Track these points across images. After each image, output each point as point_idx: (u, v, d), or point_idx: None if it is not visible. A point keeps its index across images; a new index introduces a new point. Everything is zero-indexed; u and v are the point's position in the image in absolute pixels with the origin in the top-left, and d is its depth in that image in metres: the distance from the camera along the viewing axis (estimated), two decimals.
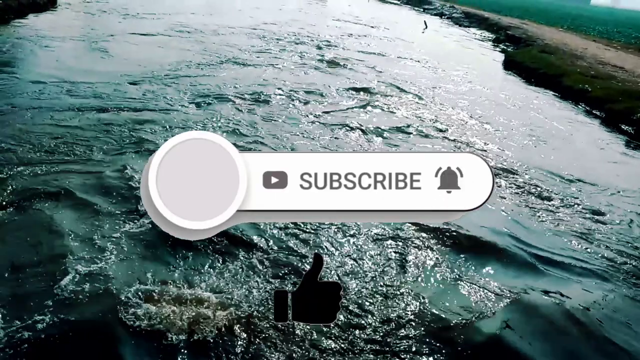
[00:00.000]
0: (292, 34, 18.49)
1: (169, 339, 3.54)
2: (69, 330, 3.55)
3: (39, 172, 5.64)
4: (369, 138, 8.50)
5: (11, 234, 4.56)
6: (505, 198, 6.95)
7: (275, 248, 4.78)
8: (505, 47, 25.70)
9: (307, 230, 5.12)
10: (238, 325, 3.75)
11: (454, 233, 5.56)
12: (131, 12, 17.34)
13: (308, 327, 3.72)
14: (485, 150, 8.86)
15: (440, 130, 9.66)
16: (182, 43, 13.85)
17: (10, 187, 5.20)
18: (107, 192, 5.42)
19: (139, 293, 3.91)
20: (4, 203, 4.95)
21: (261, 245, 4.78)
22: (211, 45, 13.89)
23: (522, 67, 18.72)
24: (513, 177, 7.78)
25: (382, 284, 4.54)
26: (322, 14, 29.71)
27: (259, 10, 25.41)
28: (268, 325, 3.78)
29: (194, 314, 3.77)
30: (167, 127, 7.53)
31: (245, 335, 3.68)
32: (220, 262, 4.45)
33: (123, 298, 3.84)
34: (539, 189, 7.48)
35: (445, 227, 5.52)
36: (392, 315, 4.16)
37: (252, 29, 18.11)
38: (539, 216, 6.58)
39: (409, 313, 4.22)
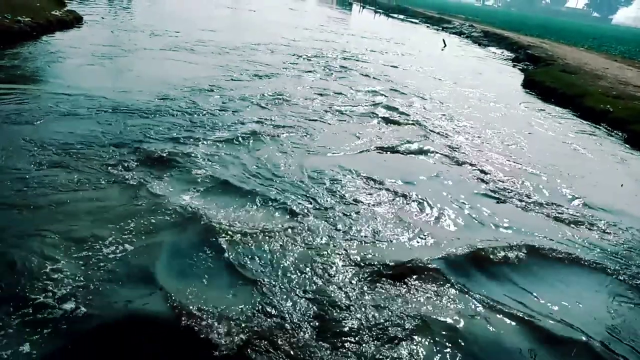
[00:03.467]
0: (321, 50, 18.73)
1: None
2: None
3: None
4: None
5: None
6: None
7: None
8: (525, 67, 25.57)
9: None
10: None
11: None
12: (157, 31, 17.70)
13: None
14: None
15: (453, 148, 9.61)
16: (213, 59, 14.07)
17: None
18: None
19: None
20: None
21: None
22: (253, 59, 14.20)
23: (542, 86, 18.59)
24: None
25: None
26: (344, 31, 29.94)
27: (284, 29, 25.71)
28: None
29: None
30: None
31: None
32: None
33: None
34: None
35: None
36: None
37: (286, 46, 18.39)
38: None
39: None
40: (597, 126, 14.08)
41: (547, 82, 18.89)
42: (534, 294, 5.18)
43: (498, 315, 4.73)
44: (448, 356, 4.13)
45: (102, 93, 9.37)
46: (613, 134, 13.45)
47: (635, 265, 6.12)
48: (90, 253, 4.66)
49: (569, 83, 18.32)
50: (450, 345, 4.25)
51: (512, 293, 5.15)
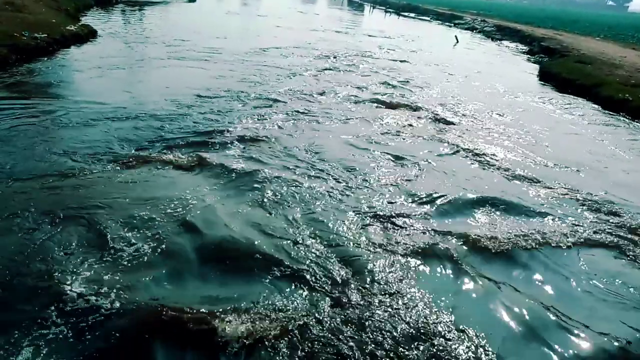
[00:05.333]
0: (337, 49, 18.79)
1: None
2: None
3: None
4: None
5: None
6: None
7: None
8: (539, 59, 25.26)
9: None
10: None
11: None
12: (170, 41, 17.90)
13: None
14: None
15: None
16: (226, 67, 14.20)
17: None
18: None
19: None
20: None
21: None
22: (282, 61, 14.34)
23: (558, 78, 18.34)
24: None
25: None
26: (356, 32, 29.94)
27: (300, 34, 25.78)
28: None
29: None
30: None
31: None
32: None
33: None
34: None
35: None
36: None
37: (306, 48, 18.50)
38: None
39: None
40: (616, 115, 13.83)
41: (563, 73, 18.64)
42: None
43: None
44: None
45: (119, 103, 9.56)
46: (633, 123, 13.19)
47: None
48: None
49: (585, 73, 18.04)
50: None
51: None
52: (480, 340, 4.23)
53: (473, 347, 4.14)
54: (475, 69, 19.93)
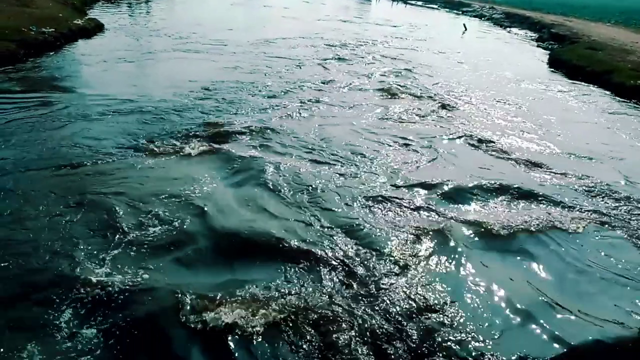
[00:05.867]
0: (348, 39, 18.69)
1: None
2: None
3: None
4: None
5: None
6: None
7: None
8: (549, 46, 24.94)
9: None
10: None
11: None
12: (177, 34, 17.87)
13: None
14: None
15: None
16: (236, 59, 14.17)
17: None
18: None
19: None
20: None
21: None
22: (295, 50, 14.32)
23: (568, 65, 18.10)
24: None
25: None
26: (363, 21, 29.70)
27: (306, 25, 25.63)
28: None
29: None
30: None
31: None
32: None
33: None
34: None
35: None
36: None
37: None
38: None
39: None
40: (628, 102, 13.65)
41: (573, 60, 18.40)
42: None
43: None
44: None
45: (128, 95, 9.60)
46: None
47: None
48: None
49: (596, 60, 17.79)
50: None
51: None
52: (481, 314, 4.40)
53: (472, 321, 4.29)
54: (484, 57, 19.73)
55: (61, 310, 3.94)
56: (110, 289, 4.20)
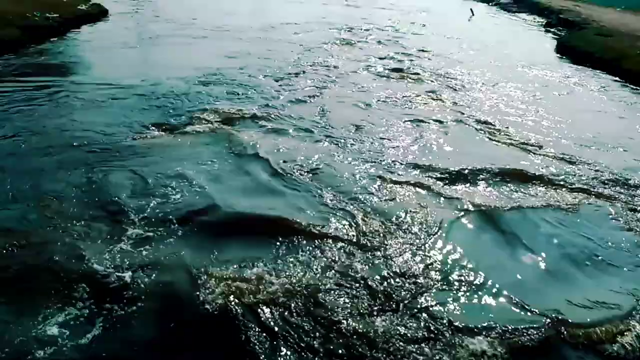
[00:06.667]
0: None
1: None
2: None
3: None
4: None
5: None
6: None
7: None
8: (557, 32, 24.60)
9: None
10: None
11: None
12: (182, 19, 17.75)
13: None
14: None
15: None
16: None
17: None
18: None
19: None
20: None
21: None
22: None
23: (576, 51, 17.86)
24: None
25: None
26: (367, 5, 29.35)
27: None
28: None
29: None
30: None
31: None
32: None
33: None
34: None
35: None
36: None
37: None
38: None
39: None
40: (637, 89, 13.48)
41: (581, 46, 18.14)
42: None
43: None
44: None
45: (134, 81, 9.62)
46: None
47: None
48: None
49: (605, 46, 17.52)
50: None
51: None
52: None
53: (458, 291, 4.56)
54: (490, 42, 19.51)
55: (68, 291, 4.01)
56: (115, 270, 4.26)
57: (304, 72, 11.69)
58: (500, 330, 4.05)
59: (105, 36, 13.67)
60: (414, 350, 3.78)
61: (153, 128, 7.45)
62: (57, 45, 12.24)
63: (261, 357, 3.60)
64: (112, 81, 9.45)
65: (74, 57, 11.32)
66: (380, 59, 13.97)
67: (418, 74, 12.54)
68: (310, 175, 6.44)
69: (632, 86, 13.73)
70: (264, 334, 3.79)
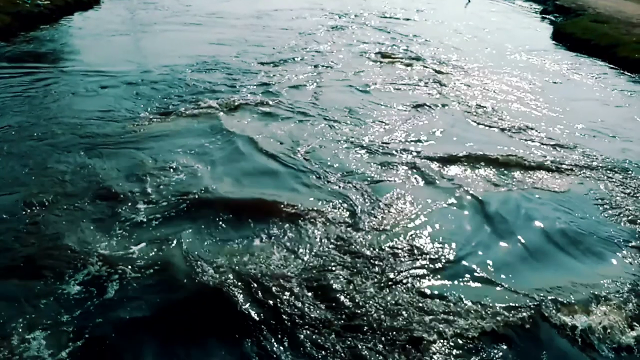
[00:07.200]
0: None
1: None
2: None
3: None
4: None
5: None
6: None
7: None
8: (554, 18, 24.49)
9: None
10: None
11: None
12: (176, 6, 17.55)
13: None
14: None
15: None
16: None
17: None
18: None
19: None
20: None
21: None
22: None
23: (572, 38, 17.80)
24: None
25: None
26: None
27: None
28: None
29: None
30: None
31: None
32: None
33: None
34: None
35: None
36: None
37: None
38: None
39: None
40: (632, 76, 13.47)
41: (577, 33, 18.09)
42: None
43: None
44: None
45: (127, 69, 9.52)
46: None
47: None
48: None
49: (601, 33, 17.47)
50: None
51: None
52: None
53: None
54: (486, 29, 19.40)
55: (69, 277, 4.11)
56: (112, 254, 4.37)
57: (299, 58, 11.68)
58: (480, 307, 4.20)
59: (97, 23, 13.50)
60: (399, 323, 3.97)
61: (146, 114, 7.48)
62: (48, 33, 12.07)
63: (255, 331, 3.77)
64: (104, 69, 9.38)
65: (66, 44, 11.17)
66: (374, 44, 13.97)
67: (411, 59, 12.59)
68: (305, 156, 6.65)
69: (628, 74, 13.73)
70: (258, 308, 3.96)
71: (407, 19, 19.29)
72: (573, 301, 4.43)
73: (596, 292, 4.60)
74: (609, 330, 4.14)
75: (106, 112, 7.40)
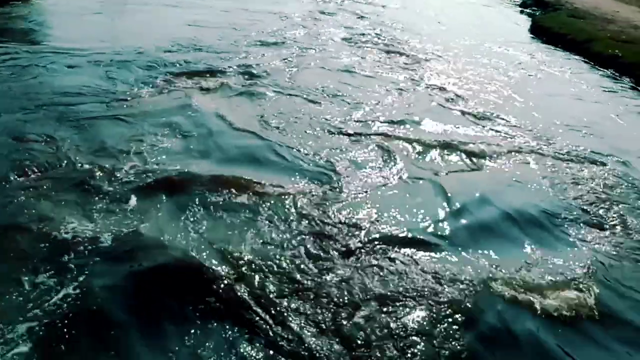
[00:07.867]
0: None
1: None
2: None
3: None
4: None
5: None
6: None
7: None
8: (532, 12, 24.75)
9: None
10: None
11: None
12: None
13: None
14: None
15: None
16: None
17: None
18: None
19: None
20: None
21: None
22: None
23: (549, 32, 18.04)
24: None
25: None
26: None
27: None
28: None
29: None
30: None
31: None
32: None
33: None
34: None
35: None
36: None
37: None
38: None
39: None
40: (605, 71, 13.76)
41: (554, 27, 18.32)
42: None
43: None
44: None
45: (104, 47, 9.40)
46: (620, 78, 13.16)
47: None
48: None
49: (577, 28, 17.75)
50: None
51: None
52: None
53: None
54: (463, 21, 19.50)
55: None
56: (89, 232, 4.38)
57: (280, 42, 11.71)
58: (434, 284, 4.43)
59: (71, 1, 13.14)
60: (355, 290, 4.22)
61: (118, 93, 7.40)
62: (20, 8, 11.71)
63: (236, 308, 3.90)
64: (77, 46, 9.18)
65: (36, 22, 10.85)
66: (353, 29, 14.19)
67: (386, 46, 12.74)
68: (282, 133, 6.93)
69: (600, 69, 14.00)
70: (227, 280, 4.09)
71: (386, 7, 19.27)
72: (521, 276, 4.69)
73: (544, 269, 4.85)
74: (556, 307, 4.36)
75: (78, 91, 7.27)
